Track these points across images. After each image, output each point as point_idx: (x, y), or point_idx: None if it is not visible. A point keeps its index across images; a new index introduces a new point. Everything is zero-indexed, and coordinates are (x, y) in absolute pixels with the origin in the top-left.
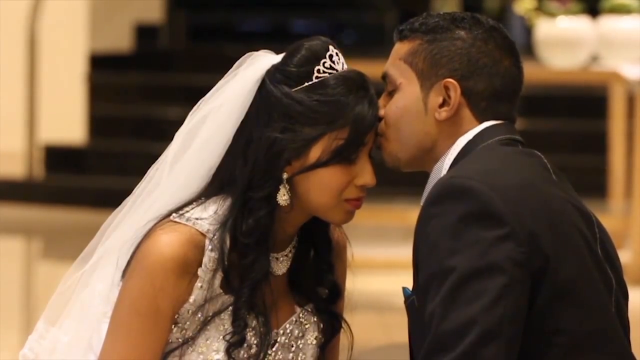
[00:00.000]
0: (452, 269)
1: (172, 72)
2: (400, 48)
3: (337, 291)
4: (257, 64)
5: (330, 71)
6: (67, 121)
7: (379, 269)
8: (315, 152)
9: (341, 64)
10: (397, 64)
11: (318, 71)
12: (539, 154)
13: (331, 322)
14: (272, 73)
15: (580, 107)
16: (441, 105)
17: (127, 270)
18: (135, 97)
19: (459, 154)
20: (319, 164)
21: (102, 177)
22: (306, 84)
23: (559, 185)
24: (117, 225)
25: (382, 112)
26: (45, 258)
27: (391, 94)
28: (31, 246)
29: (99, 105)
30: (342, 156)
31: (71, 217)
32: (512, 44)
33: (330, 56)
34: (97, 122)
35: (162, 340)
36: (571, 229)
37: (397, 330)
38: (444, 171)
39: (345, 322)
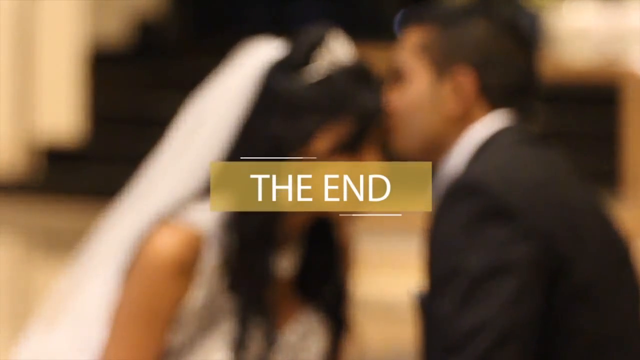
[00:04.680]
0: (465, 269)
1: (172, 64)
2: (413, 35)
3: (341, 292)
4: (256, 56)
5: (331, 60)
6: (66, 117)
7: (382, 269)
8: (318, 145)
9: (343, 52)
10: (408, 52)
11: (319, 61)
12: (557, 151)
13: (335, 324)
14: (271, 65)
15: (593, 101)
16: (453, 97)
17: (125, 271)
18: (136, 92)
19: (476, 150)
20: (322, 157)
21: (101, 173)
22: (306, 75)
23: (577, 184)
24: (115, 225)
25: (390, 103)
26: (41, 258)
27: (400, 84)
28: (27, 246)
29: (99, 101)
30: (345, 148)
31: (68, 216)
32: (529, 38)
33: (332, 45)
34: (98, 115)
35: (162, 342)
36: (589, 230)
37: (401, 330)
38: (455, 164)
39: (350, 323)
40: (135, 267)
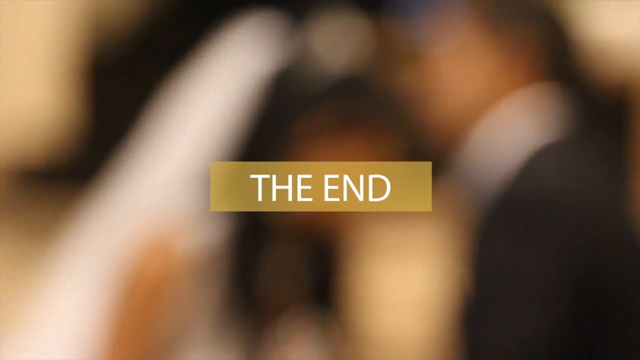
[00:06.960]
0: (494, 281)
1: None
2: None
3: (338, 300)
4: (238, 65)
5: (322, 51)
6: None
7: (386, 282)
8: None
9: (335, 39)
10: (450, 25)
11: (306, 58)
12: (600, 166)
13: (331, 331)
14: (255, 71)
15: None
16: (500, 72)
17: (108, 283)
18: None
19: (526, 162)
20: (309, 140)
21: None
22: (291, 75)
23: (622, 194)
24: (98, 228)
25: (422, 84)
26: (23, 271)
27: (435, 64)
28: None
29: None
30: (331, 136)
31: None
32: (576, 24)
33: (325, 32)
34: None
35: (152, 355)
36: (628, 248)
37: (404, 345)
38: (497, 162)
39: (347, 332)
40: (121, 288)
